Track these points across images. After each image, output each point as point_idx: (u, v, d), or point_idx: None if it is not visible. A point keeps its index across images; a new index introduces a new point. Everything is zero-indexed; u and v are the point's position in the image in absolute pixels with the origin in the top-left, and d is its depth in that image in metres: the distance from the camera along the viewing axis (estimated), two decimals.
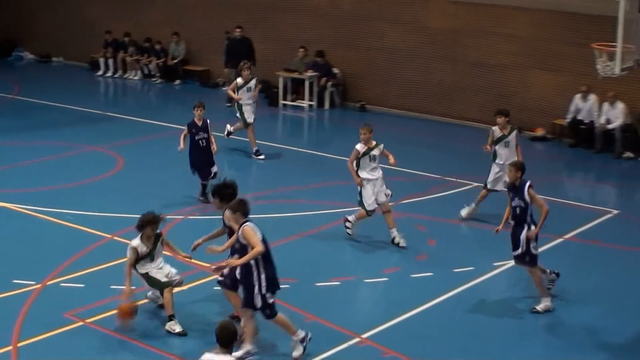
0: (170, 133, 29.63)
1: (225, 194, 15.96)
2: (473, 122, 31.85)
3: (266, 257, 14.55)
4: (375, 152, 20.10)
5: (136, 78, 39.12)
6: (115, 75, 39.59)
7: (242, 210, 14.77)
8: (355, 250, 19.73)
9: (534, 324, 16.76)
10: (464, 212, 21.45)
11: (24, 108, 33.44)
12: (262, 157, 27.14)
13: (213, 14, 37.47)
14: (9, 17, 43.92)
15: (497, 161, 21.39)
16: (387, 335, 15.66)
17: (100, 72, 39.94)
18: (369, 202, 19.95)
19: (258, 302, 14.39)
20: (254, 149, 27.31)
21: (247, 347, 14.59)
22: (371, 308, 16.64)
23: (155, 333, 15.74)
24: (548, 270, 17.71)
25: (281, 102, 34.42)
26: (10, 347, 14.90)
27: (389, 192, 20.14)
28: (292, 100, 34.51)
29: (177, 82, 38.10)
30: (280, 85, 34.49)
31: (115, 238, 20.10)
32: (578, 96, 29.35)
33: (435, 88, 32.86)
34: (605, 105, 28.24)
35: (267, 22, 35.84)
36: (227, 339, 11.42)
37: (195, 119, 22.72)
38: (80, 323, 15.95)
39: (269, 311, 14.58)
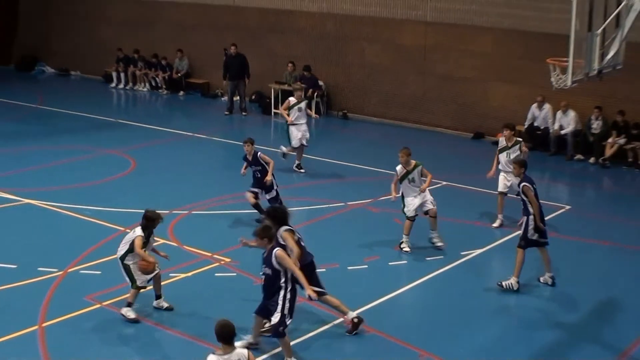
0: (175, 138, 29.71)
1: (277, 217, 15.05)
2: (442, 128, 31.94)
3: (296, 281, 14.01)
4: (414, 174, 19.36)
5: (145, 89, 39.08)
6: (126, 87, 39.54)
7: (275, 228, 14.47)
8: (338, 241, 19.73)
9: (495, 305, 16.83)
10: (495, 224, 21.31)
11: (46, 116, 33.40)
12: (302, 171, 25.75)
13: (212, 33, 37.46)
14: (33, 36, 43.90)
15: (499, 167, 21.52)
16: (368, 315, 15.65)
17: (113, 84, 39.87)
18: (410, 209, 19.45)
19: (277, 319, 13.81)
20: (297, 162, 25.86)
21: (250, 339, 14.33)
22: (353, 292, 16.62)
23: (166, 313, 15.77)
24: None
25: (273, 111, 34.40)
26: (37, 327, 14.91)
27: (432, 201, 19.53)
28: None
29: (181, 93, 38.07)
30: (272, 96, 34.46)
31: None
32: (534, 105, 29.43)
33: (408, 98, 32.89)
34: (559, 114, 28.32)
35: (260, 41, 35.83)
36: (228, 336, 11.37)
37: (247, 155, 20.99)
38: (98, 305, 15.96)
39: (283, 329, 13.86)
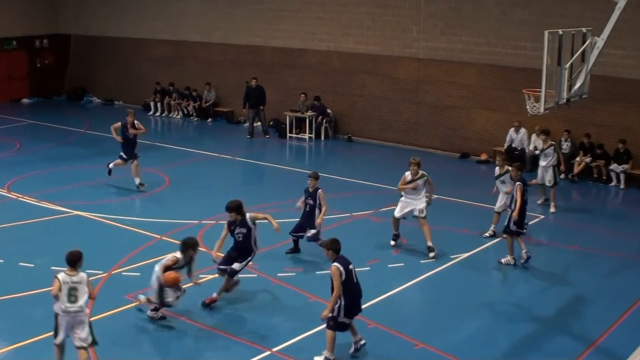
0: (204, 158, 29.64)
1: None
2: (432, 149, 31.83)
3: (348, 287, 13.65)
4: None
5: (178, 117, 39.00)
6: (162, 115, 39.46)
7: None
8: (344, 247, 19.49)
9: (480, 301, 16.76)
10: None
11: (93, 140, 33.33)
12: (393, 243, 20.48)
13: (235, 69, 37.44)
14: (82, 71, 44.01)
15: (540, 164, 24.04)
16: (371, 310, 15.57)
17: (151, 112, 39.79)
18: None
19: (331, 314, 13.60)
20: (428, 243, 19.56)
21: (327, 354, 13.83)
22: None
23: (197, 310, 15.67)
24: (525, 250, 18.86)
25: (288, 135, 34.33)
26: None
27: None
28: (296, 134, 34.40)
29: (209, 120, 37.97)
30: (287, 122, 34.40)
31: (164, 238, 20.04)
32: (512, 129, 29.31)
33: (404, 124, 32.80)
34: (533, 136, 28.16)
35: (276, 75, 35.80)
36: (73, 261, 12.69)
37: (310, 187, 19.12)
38: (137, 303, 15.87)
39: (332, 323, 13.65)
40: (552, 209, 23.77)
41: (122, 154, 24.90)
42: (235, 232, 16.17)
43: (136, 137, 25.05)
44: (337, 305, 13.51)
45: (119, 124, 25.06)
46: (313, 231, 18.87)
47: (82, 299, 12.73)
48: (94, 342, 13.03)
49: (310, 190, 19.06)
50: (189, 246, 15.20)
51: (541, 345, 14.78)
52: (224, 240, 16.36)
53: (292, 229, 19.26)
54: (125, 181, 25.45)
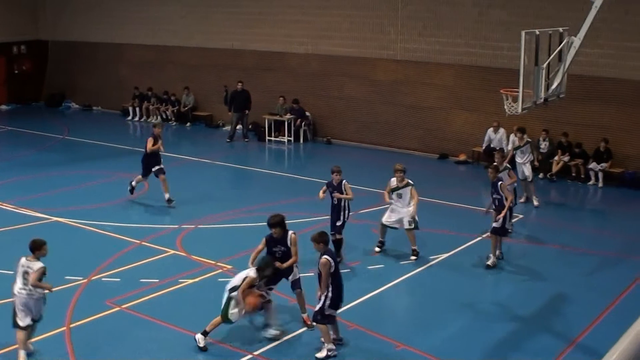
0: (183, 163, 29.46)
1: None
2: (411, 150, 31.84)
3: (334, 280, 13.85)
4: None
5: (157, 122, 38.88)
6: (141, 120, 39.33)
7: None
8: None
9: (461, 301, 16.70)
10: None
11: (71, 145, 33.18)
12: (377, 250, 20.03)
13: (214, 73, 37.37)
14: (60, 76, 43.83)
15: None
16: (351, 312, 15.55)
17: (129, 118, 39.67)
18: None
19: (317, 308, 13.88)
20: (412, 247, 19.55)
21: (328, 346, 13.96)
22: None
23: (177, 315, 15.54)
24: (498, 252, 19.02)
25: (267, 138, 34.25)
26: (64, 328, 14.71)
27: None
28: (275, 137, 34.35)
29: (188, 124, 37.84)
30: (266, 125, 34.32)
31: (144, 243, 19.91)
32: (490, 129, 29.34)
33: (382, 125, 32.79)
34: (512, 136, 28.14)
35: (255, 79, 35.69)
36: (34, 248, 13.31)
37: (334, 181, 18.65)
38: (118, 308, 15.75)
39: (320, 317, 13.89)
40: (535, 203, 23.95)
41: (144, 170, 23.72)
42: (274, 250, 15.13)
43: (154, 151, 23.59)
44: (324, 297, 13.73)
45: (152, 139, 23.47)
46: (338, 223, 18.65)
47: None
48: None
49: (335, 184, 18.63)
50: (261, 270, 14.53)
51: (522, 344, 14.75)
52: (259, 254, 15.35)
53: (331, 229, 18.49)
54: (104, 187, 25.31)
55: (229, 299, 14.24)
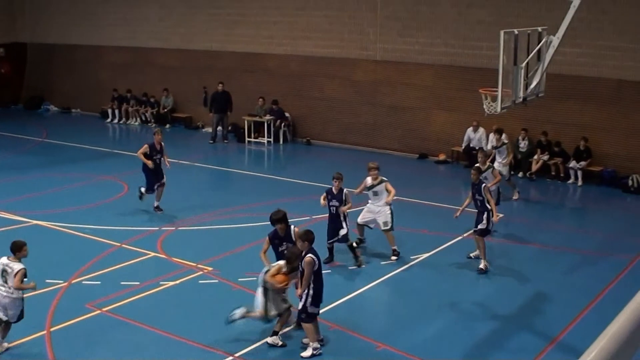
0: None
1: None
2: (391, 150, 31.91)
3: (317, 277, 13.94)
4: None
5: (136, 123, 38.78)
6: (120, 122, 39.22)
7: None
8: None
9: (442, 301, 16.72)
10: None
11: (50, 148, 33.06)
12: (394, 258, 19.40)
13: (193, 74, 37.28)
14: (39, 79, 43.61)
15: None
16: (332, 312, 15.55)
17: (108, 120, 39.55)
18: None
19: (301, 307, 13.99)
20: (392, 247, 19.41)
21: (313, 345, 14.05)
22: None
23: (158, 317, 15.49)
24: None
25: (247, 139, 34.23)
26: (45, 332, 14.62)
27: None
28: (255, 138, 34.33)
29: (168, 126, 37.70)
30: (246, 127, 34.30)
31: (124, 246, 19.83)
32: (470, 129, 29.44)
33: (362, 126, 32.84)
34: (491, 135, 28.28)
35: (235, 80, 35.63)
36: (15, 249, 13.41)
37: (333, 188, 18.52)
38: (98, 311, 15.67)
39: (304, 315, 13.99)
40: (515, 196, 24.00)
41: (148, 184, 22.93)
42: (280, 249, 15.22)
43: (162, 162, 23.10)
44: (305, 295, 13.81)
45: (147, 146, 22.98)
46: (343, 232, 18.49)
47: (9, 283, 13.47)
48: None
49: (335, 191, 18.49)
50: (294, 256, 14.47)
51: (503, 343, 14.80)
52: (266, 253, 15.36)
53: (328, 238, 18.53)
54: (84, 190, 25.24)
55: (265, 290, 14.38)
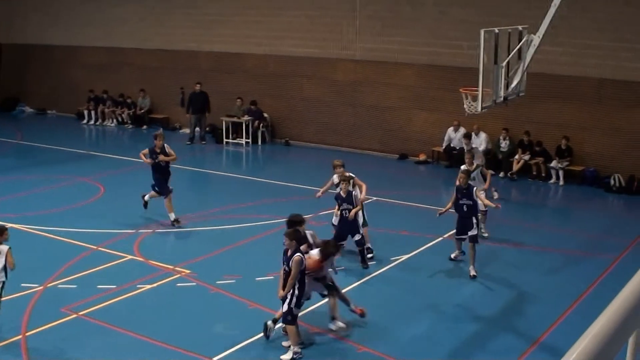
0: (139, 166, 29.18)
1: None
2: (371, 151, 31.90)
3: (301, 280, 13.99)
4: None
5: (112, 125, 38.61)
6: (96, 123, 39.02)
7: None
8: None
9: (424, 303, 16.71)
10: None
11: (25, 150, 32.89)
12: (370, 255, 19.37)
13: (170, 75, 37.17)
14: (14, 80, 43.28)
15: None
16: (312, 316, 15.49)
17: (84, 121, 39.36)
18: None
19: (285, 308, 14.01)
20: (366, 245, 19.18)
21: (294, 348, 14.03)
22: None
23: (135, 321, 15.40)
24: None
25: (224, 140, 34.15)
26: (20, 336, 14.48)
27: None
28: (233, 139, 34.26)
29: (144, 127, 37.57)
30: (224, 127, 34.21)
31: (100, 249, 19.71)
32: (451, 129, 29.48)
33: (342, 126, 32.81)
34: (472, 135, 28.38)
35: (213, 80, 35.54)
36: None
37: (341, 192, 18.42)
38: (75, 315, 15.54)
39: (290, 317, 13.97)
40: (495, 196, 23.96)
41: (154, 186, 22.03)
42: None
43: (168, 164, 22.27)
44: (290, 295, 13.84)
45: (147, 150, 22.25)
46: (359, 236, 18.43)
47: None
48: None
49: (344, 195, 18.39)
50: (332, 249, 15.08)
51: (486, 344, 14.79)
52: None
53: (338, 240, 17.97)
54: (59, 192, 25.12)
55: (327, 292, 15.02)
